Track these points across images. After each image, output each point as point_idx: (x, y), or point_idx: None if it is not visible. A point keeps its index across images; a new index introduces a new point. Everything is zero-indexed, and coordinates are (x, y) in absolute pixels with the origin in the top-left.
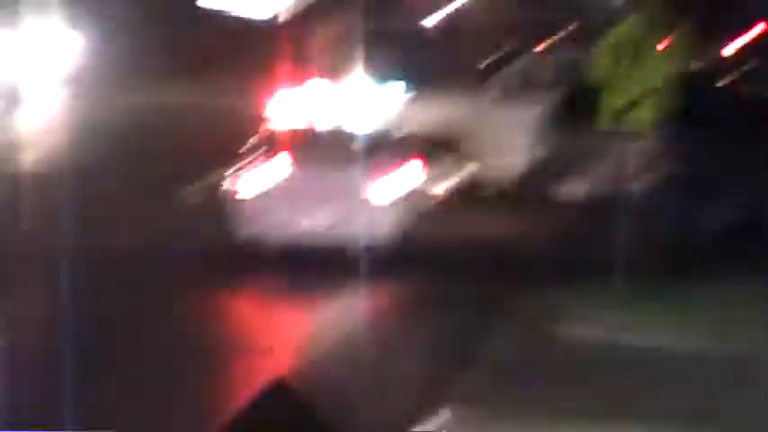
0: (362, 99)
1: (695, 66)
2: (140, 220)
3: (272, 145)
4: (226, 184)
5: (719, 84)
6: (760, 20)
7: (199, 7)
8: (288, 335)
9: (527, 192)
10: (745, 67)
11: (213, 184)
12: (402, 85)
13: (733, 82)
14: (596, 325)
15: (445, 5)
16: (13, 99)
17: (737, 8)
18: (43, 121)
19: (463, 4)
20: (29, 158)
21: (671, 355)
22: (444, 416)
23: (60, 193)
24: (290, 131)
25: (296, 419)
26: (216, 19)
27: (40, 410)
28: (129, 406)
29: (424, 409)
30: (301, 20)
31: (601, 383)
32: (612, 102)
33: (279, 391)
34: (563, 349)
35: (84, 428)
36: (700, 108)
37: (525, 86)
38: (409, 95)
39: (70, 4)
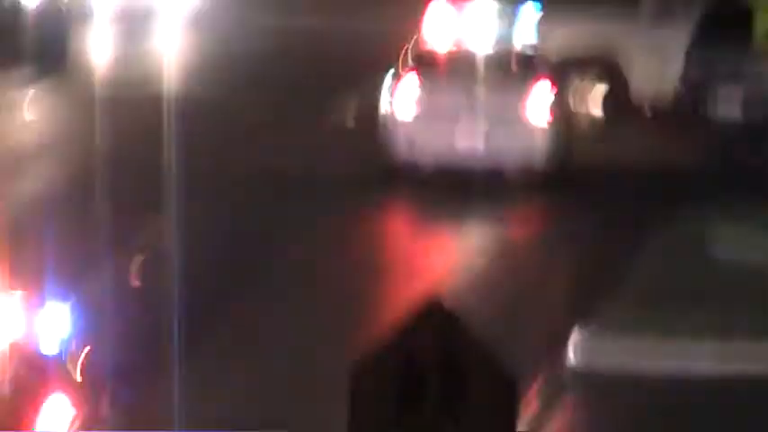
0: (514, 20)
1: None
2: (294, 143)
3: (426, 66)
4: (379, 106)
5: None
6: None
7: None
8: (442, 256)
9: (680, 112)
10: None
11: (368, 101)
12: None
13: None
14: (748, 247)
15: None
16: (146, 27)
17: None
18: (195, 48)
19: None
20: (179, 86)
21: None
22: (585, 334)
23: (218, 119)
24: (444, 53)
25: (450, 340)
26: None
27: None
28: (278, 329)
29: (570, 328)
30: None
31: (748, 305)
32: (766, 21)
33: (433, 313)
34: (713, 271)
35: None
36: None
37: (677, 5)
38: (564, 17)
39: None
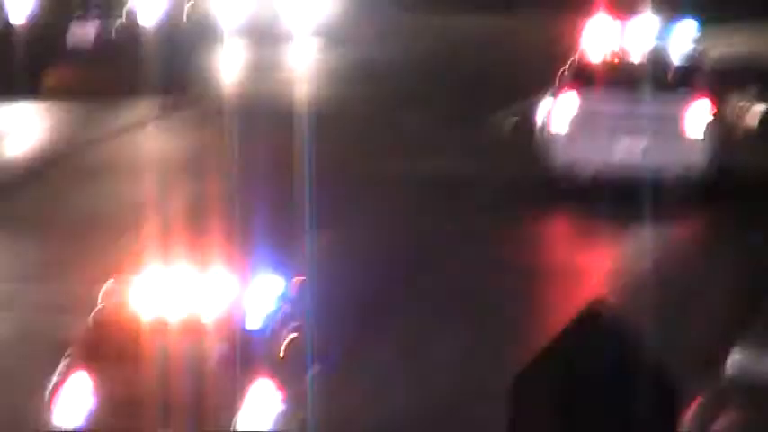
0: (669, 31)
1: None
2: (455, 153)
3: (584, 76)
4: (539, 115)
5: None
6: None
7: None
8: (604, 262)
9: None
10: None
11: (526, 115)
12: (699, 17)
13: None
14: None
15: None
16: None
17: None
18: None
19: None
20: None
21: None
22: (747, 345)
23: (370, 128)
24: (602, 63)
25: (613, 347)
26: None
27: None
28: (442, 337)
29: (730, 339)
30: None
31: None
32: None
33: (597, 318)
34: None
35: None
36: None
37: None
38: (711, 26)
39: None
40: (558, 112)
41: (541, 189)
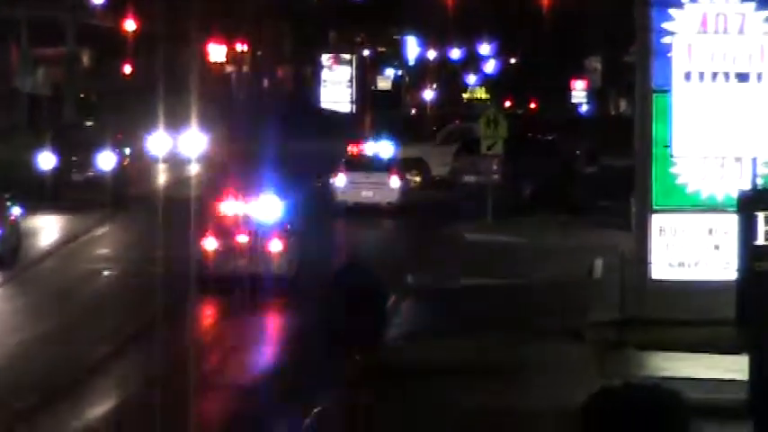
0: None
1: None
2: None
3: (348, 162)
4: (332, 180)
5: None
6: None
7: None
8: (359, 235)
9: (453, 180)
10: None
11: (327, 179)
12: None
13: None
14: (485, 235)
15: None
16: None
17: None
18: None
19: None
20: None
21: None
22: (413, 275)
23: None
24: (355, 156)
25: (364, 282)
26: None
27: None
28: None
29: (408, 271)
30: None
31: (489, 259)
32: (486, 142)
33: (352, 267)
34: (469, 247)
35: None
36: (512, 142)
37: (452, 137)
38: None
39: None
40: (337, 179)
41: (336, 212)
